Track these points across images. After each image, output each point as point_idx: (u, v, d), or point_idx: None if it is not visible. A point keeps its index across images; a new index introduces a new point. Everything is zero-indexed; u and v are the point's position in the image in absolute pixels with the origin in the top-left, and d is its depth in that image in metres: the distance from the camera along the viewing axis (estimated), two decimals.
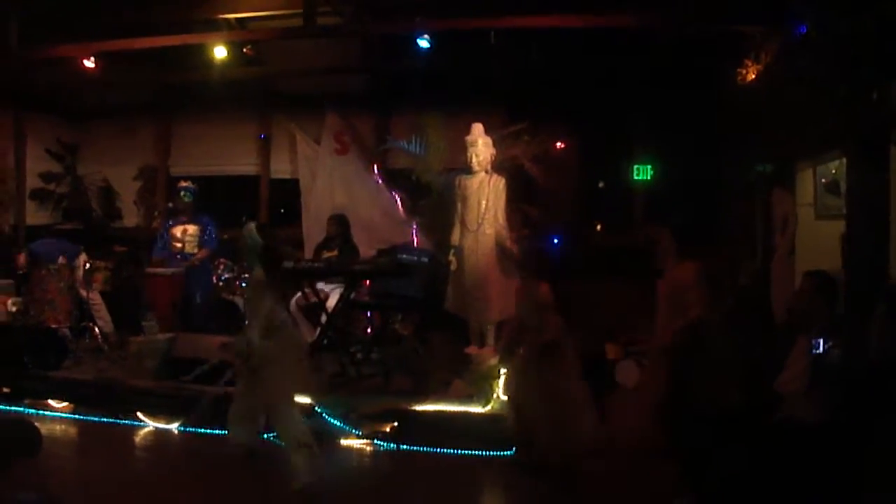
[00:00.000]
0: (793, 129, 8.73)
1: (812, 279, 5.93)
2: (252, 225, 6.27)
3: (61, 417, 8.34)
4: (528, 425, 6.58)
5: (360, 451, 7.38)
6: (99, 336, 10.19)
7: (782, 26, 8.47)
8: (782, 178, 9.65)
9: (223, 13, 10.92)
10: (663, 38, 10.19)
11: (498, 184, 8.48)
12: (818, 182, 9.23)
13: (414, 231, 10.62)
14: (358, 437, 7.41)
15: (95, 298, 10.63)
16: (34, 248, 10.44)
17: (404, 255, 8.82)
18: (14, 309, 9.98)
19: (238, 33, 11.13)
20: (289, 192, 13.21)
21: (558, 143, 10.73)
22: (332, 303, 9.41)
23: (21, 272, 10.46)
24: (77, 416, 8.32)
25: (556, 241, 8.92)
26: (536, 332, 6.61)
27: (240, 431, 6.17)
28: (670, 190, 11.68)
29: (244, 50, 11.06)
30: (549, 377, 6.51)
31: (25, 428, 5.00)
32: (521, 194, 9.11)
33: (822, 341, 5.47)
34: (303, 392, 6.39)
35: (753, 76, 9.52)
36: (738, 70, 9.81)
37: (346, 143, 12.56)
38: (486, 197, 8.41)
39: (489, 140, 8.55)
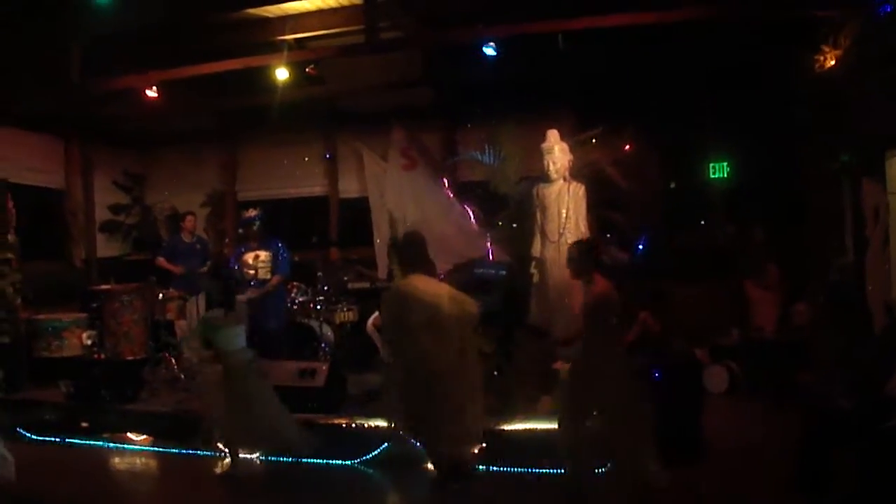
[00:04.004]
0: (879, 113, 8.39)
1: None
2: None
3: (141, 450, 8.27)
4: None
5: None
6: (175, 366, 10.10)
7: (862, 8, 8.19)
8: (870, 166, 9.29)
9: (283, 35, 10.85)
10: (735, 30, 9.92)
11: (577, 191, 8.31)
12: None
13: (489, 244, 10.40)
14: None
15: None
16: None
17: (481, 270, 8.64)
18: (89, 342, 10.03)
19: (299, 53, 11.06)
20: (359, 211, 13.12)
21: (635, 145, 10.46)
22: None
23: None
24: (157, 449, 8.24)
25: (640, 245, 8.63)
26: None
27: None
28: (749, 187, 11.36)
29: (307, 70, 10.93)
30: None
31: None
32: (602, 200, 8.86)
33: None
34: None
35: (833, 62, 9.20)
36: (815, 57, 9.50)
37: (414, 158, 12.38)
38: (566, 205, 8.24)
39: (565, 146, 8.38)
